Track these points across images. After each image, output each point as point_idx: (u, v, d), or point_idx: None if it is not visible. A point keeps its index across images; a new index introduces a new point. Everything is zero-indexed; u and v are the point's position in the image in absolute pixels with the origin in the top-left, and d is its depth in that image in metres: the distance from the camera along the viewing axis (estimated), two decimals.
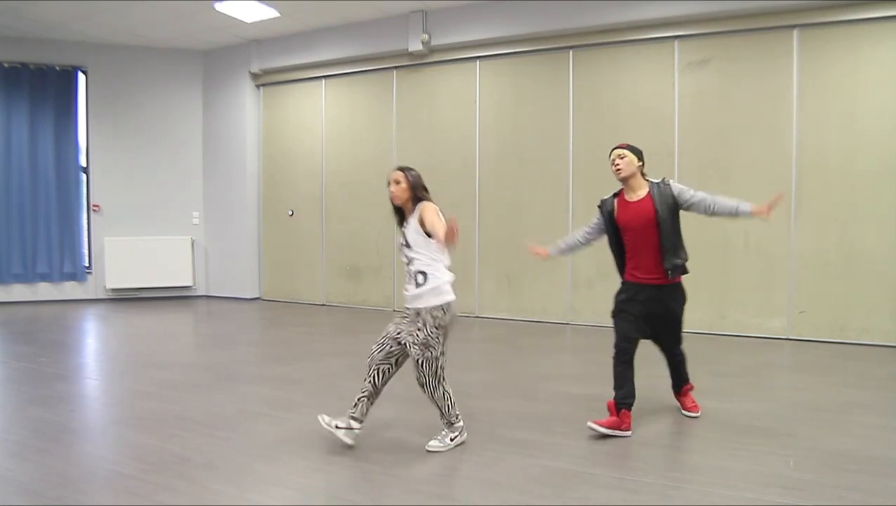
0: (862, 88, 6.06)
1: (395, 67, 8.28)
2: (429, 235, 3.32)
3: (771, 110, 6.39)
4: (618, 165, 3.74)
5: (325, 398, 4.26)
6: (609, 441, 3.52)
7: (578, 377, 5.02)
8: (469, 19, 7.61)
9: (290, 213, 9.23)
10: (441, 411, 3.43)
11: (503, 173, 7.61)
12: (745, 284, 6.50)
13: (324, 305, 8.96)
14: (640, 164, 3.77)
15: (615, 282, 7.25)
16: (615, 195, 3.86)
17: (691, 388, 4.04)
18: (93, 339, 7.03)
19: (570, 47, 7.24)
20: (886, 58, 5.98)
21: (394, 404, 4.20)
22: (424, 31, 7.78)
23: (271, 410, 4.10)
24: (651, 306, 3.73)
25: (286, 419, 3.89)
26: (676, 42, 6.76)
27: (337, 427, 3.35)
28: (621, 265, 3.90)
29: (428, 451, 3.38)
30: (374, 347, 3.44)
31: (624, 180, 3.76)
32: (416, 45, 7.82)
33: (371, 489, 2.93)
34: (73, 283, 9.14)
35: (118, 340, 6.83)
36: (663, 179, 3.79)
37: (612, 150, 3.83)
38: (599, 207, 3.91)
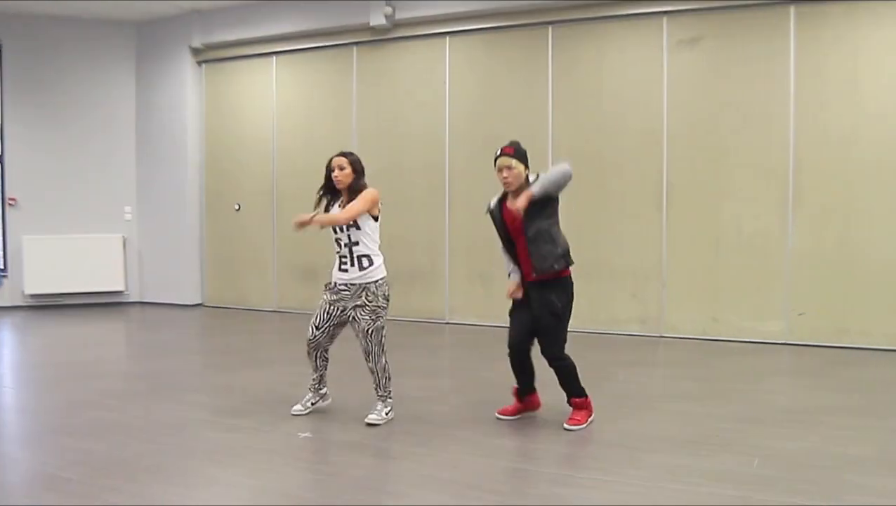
0: (863, 70, 6.60)
1: (355, 44, 8.74)
2: (374, 218, 4.32)
3: (766, 93, 6.94)
4: (506, 177, 4.19)
5: (273, 405, 4.76)
6: (569, 442, 4.09)
7: (547, 383, 5.53)
8: None
9: (237, 207, 9.65)
10: (380, 382, 4.38)
11: (475, 162, 7.98)
12: (739, 284, 7.05)
13: (276, 311, 9.40)
14: (527, 172, 4.23)
15: (597, 286, 7.79)
16: (500, 201, 4.36)
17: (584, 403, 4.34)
18: (14, 349, 7.44)
19: (550, 23, 7.76)
20: (889, 37, 6.52)
21: (349, 408, 4.71)
22: (388, 4, 8.26)
23: (216, 417, 4.60)
24: (534, 304, 4.23)
25: (232, 426, 4.39)
26: (665, 19, 7.31)
27: (313, 404, 4.58)
28: (519, 266, 4.34)
29: (368, 424, 4.28)
30: (317, 332, 4.36)
31: (513, 192, 4.24)
32: (378, 20, 8.27)
33: (322, 488, 3.44)
34: None
35: (45, 350, 7.23)
36: (527, 179, 4.20)
37: (499, 155, 4.22)
38: (491, 215, 4.40)
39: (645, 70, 7.42)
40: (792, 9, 6.85)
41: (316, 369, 4.54)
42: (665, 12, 7.29)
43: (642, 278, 7.43)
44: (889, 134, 6.49)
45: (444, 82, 8.33)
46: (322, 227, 4.26)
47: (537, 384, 4.50)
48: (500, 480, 3.57)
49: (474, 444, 4.11)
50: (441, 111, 8.36)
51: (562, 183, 4.08)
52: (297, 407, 4.55)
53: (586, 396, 4.34)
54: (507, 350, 4.40)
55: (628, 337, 7.35)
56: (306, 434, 4.22)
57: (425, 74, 8.45)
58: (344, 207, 4.28)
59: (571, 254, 4.29)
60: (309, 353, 4.48)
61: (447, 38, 8.29)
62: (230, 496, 3.37)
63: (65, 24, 9.61)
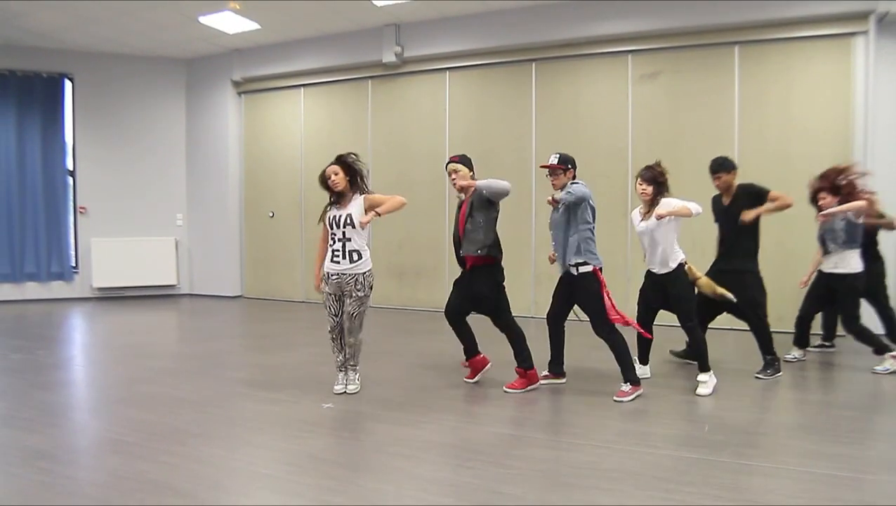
0: (795, 99, 6.69)
1: (370, 77, 8.77)
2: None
3: (715, 118, 7.00)
4: (454, 178, 4.48)
5: (301, 382, 4.75)
6: (548, 411, 4.07)
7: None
8: (439, 33, 8.13)
9: (271, 214, 9.66)
10: (355, 355, 4.44)
11: None
12: None
13: (303, 301, 9.40)
14: (472, 174, 4.53)
15: None
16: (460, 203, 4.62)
17: (525, 371, 4.53)
18: (84, 333, 7.41)
19: (533, 60, 7.80)
20: (817, 71, 6.62)
21: (363, 382, 4.69)
22: (397, 44, 8.27)
23: (254, 391, 4.56)
24: (468, 283, 4.49)
25: (267, 398, 4.36)
26: (630, 56, 7.34)
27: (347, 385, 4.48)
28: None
29: (346, 393, 4.38)
30: (336, 319, 4.38)
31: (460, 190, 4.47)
32: (389, 57, 8.30)
33: (343, 450, 3.42)
34: (60, 282, 9.46)
35: (109, 334, 7.22)
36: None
37: (448, 162, 4.56)
38: None
39: (613, 99, 7.45)
40: (736, 48, 6.90)
41: (341, 350, 4.47)
42: (630, 51, 7.34)
43: (610, 274, 7.32)
44: (816, 151, 6.55)
45: (445, 109, 8.35)
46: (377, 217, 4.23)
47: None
48: (492, 444, 3.54)
49: (468, 413, 4.13)
50: (442, 133, 8.37)
51: (499, 191, 4.34)
52: (338, 387, 4.45)
53: (532, 368, 4.51)
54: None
55: None
56: (328, 405, 4.19)
57: (429, 103, 8.47)
58: (344, 208, 4.30)
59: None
60: (333, 338, 4.43)
61: (447, 72, 8.31)
62: (266, 458, 3.34)
63: (126, 61, 9.64)
